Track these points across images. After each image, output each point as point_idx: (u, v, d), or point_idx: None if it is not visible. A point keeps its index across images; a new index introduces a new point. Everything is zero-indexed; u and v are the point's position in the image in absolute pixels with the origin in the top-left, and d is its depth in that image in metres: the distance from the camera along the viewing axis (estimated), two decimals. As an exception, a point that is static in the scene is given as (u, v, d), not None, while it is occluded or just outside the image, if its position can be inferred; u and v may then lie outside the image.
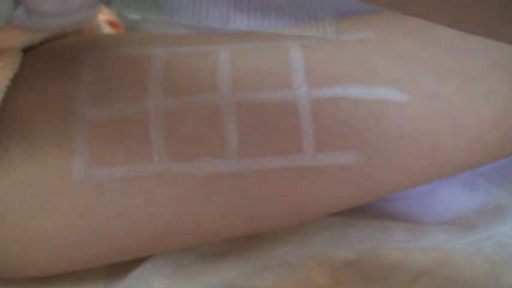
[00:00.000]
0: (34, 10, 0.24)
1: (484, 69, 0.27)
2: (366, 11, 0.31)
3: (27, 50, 0.28)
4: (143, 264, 0.31)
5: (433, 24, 0.27)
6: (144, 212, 0.26)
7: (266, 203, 0.27)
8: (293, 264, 0.32)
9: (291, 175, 0.26)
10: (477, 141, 0.28)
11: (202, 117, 0.26)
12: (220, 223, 0.27)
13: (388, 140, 0.26)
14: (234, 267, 0.32)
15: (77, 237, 0.27)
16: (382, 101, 0.26)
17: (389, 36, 0.28)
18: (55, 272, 0.29)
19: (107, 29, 0.39)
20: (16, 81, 0.27)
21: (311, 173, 0.26)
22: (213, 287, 0.31)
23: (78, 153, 0.25)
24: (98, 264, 0.29)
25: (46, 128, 0.26)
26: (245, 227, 0.28)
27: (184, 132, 0.26)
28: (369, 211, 0.36)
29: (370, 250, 0.33)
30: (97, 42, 0.29)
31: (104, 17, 0.40)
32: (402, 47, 0.28)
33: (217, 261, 0.32)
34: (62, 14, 0.26)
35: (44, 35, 0.29)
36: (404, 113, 0.27)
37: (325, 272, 0.32)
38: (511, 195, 0.35)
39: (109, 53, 0.28)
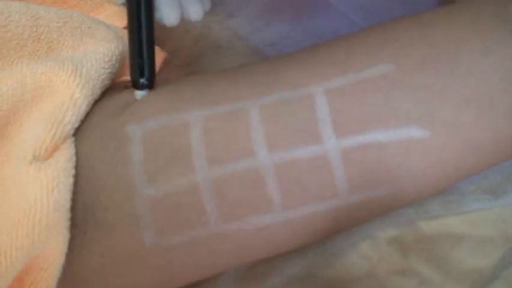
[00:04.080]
0: None
1: (503, 88, 0.29)
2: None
3: None
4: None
5: (449, 45, 0.28)
6: (210, 261, 0.31)
7: (313, 239, 0.31)
8: (344, 251, 0.37)
9: (330, 214, 0.30)
10: (497, 154, 0.30)
11: (246, 181, 0.29)
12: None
13: (417, 171, 0.29)
14: (297, 263, 0.37)
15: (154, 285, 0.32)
16: (406, 140, 0.29)
17: (408, 68, 0.29)
18: None
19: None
20: (78, 170, 0.30)
21: (348, 209, 0.30)
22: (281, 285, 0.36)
23: (146, 228, 0.29)
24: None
25: (113, 210, 0.29)
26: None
27: (232, 198, 0.29)
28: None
29: (409, 224, 0.37)
30: (136, 112, 0.31)
31: (124, 22, 0.40)
32: (421, 81, 0.29)
33: (280, 259, 0.37)
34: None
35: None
36: (428, 147, 0.29)
37: (369, 250, 0.37)
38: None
39: (151, 126, 0.30)
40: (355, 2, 0.41)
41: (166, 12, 0.33)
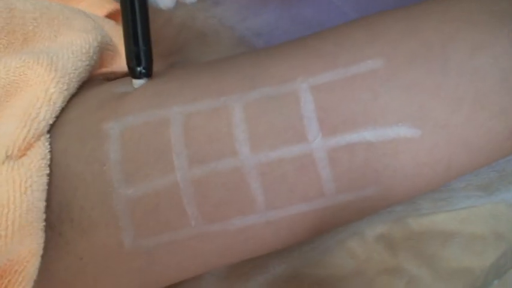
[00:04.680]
0: None
1: (497, 87, 0.27)
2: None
3: None
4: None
5: (439, 41, 0.27)
6: (192, 262, 0.30)
7: (298, 239, 0.30)
8: (331, 248, 0.36)
9: (316, 214, 0.29)
10: (490, 154, 0.29)
11: (228, 182, 0.28)
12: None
13: (406, 171, 0.28)
14: (283, 262, 0.36)
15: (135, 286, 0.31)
16: (395, 139, 0.28)
17: (397, 64, 0.28)
18: None
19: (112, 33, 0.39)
20: (53, 168, 0.29)
21: (334, 209, 0.29)
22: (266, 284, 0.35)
23: (125, 228, 0.28)
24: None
25: (90, 210, 0.28)
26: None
27: (214, 199, 0.28)
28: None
29: (398, 221, 0.36)
30: (115, 108, 0.30)
31: (104, 11, 0.39)
32: (411, 78, 0.28)
33: (265, 257, 0.36)
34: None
35: None
36: (419, 146, 0.28)
37: (356, 248, 0.36)
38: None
39: (130, 123, 0.29)
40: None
41: None
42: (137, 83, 0.31)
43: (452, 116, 0.27)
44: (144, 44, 0.31)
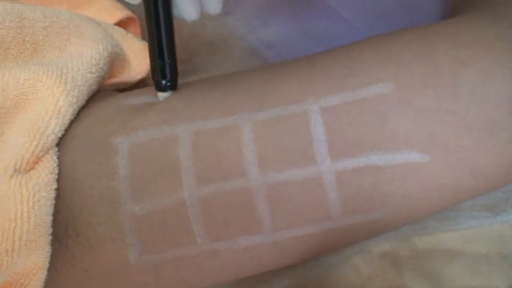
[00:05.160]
0: None
1: (506, 113, 0.27)
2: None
3: None
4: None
5: (451, 66, 0.27)
6: (197, 278, 0.30)
7: (303, 258, 0.30)
8: (335, 264, 0.36)
9: (323, 235, 0.29)
10: (498, 180, 0.29)
11: (235, 201, 0.28)
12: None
13: (413, 196, 0.28)
14: (287, 277, 0.36)
15: None
16: (404, 164, 0.27)
17: (408, 89, 0.28)
18: None
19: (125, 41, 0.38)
20: (60, 182, 0.29)
21: (340, 231, 0.29)
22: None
23: (131, 244, 0.28)
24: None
25: (97, 225, 0.28)
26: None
27: (220, 217, 0.28)
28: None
29: (403, 240, 0.36)
30: (125, 122, 0.30)
31: (115, 18, 0.39)
32: (421, 103, 0.27)
33: (269, 272, 0.36)
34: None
35: None
36: (427, 171, 0.28)
37: (361, 265, 0.36)
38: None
39: (139, 138, 0.29)
40: (355, 4, 0.39)
41: (187, 7, 0.32)
42: (162, 95, 0.31)
43: (461, 142, 0.27)
44: (169, 58, 0.31)
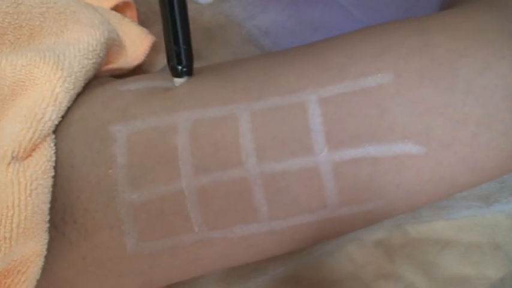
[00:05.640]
0: None
1: (503, 106, 0.27)
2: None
3: None
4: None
5: (450, 57, 0.27)
6: (193, 265, 0.30)
7: (299, 246, 0.30)
8: (329, 252, 0.36)
9: (319, 224, 0.29)
10: (494, 171, 0.29)
11: (232, 191, 0.28)
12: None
13: (409, 187, 0.28)
14: (281, 264, 0.36)
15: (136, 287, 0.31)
16: (400, 155, 0.28)
17: (406, 80, 0.28)
18: None
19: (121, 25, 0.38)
20: (57, 169, 0.29)
21: (336, 220, 0.29)
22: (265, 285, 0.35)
23: (128, 232, 0.29)
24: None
25: (94, 212, 0.29)
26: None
27: (217, 206, 0.28)
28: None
29: (397, 228, 0.36)
30: (123, 110, 0.30)
31: (111, 3, 0.39)
32: (419, 95, 0.27)
33: (265, 260, 0.36)
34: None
35: None
36: (423, 164, 0.28)
37: (355, 252, 0.36)
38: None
39: (137, 127, 0.29)
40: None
41: None
42: (178, 81, 0.31)
43: (458, 135, 0.27)
44: (185, 43, 0.31)
